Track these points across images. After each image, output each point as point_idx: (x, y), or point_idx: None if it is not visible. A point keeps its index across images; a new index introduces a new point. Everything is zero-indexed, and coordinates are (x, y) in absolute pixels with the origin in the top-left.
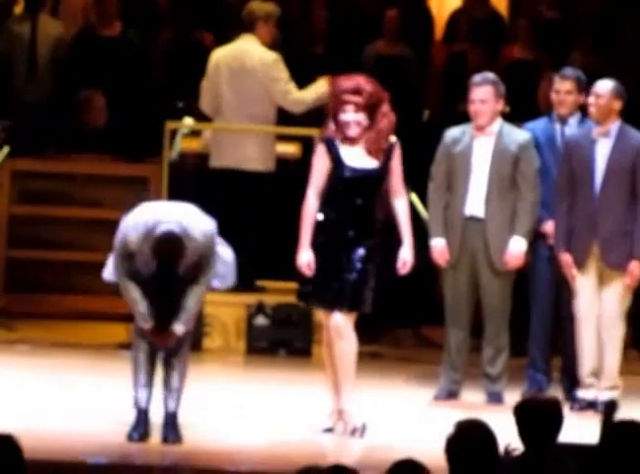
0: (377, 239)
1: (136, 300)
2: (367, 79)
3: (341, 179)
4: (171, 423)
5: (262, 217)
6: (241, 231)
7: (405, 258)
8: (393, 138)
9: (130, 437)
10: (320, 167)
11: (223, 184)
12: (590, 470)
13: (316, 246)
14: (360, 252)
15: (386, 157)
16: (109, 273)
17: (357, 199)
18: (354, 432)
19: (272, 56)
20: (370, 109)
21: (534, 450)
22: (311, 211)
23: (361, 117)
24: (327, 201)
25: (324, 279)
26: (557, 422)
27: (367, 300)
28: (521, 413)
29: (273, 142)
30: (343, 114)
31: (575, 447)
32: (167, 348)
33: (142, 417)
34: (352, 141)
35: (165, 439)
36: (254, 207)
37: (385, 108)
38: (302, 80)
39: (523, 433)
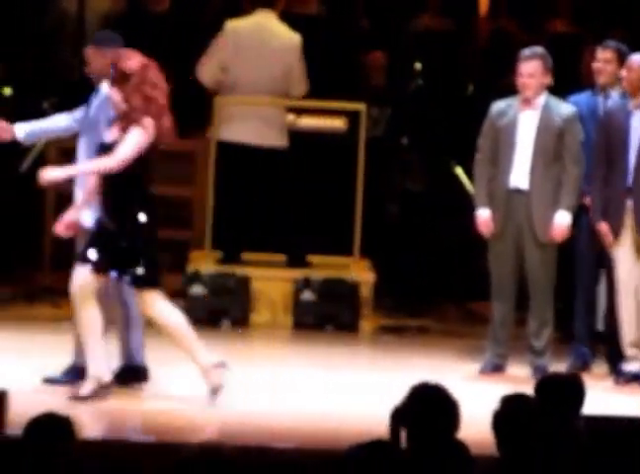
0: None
1: None
2: (134, 51)
3: None
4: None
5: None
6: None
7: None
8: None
9: None
10: None
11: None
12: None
13: None
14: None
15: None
16: None
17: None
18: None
19: (298, 38)
20: (120, 83)
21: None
22: None
23: (113, 92)
24: None
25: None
26: (579, 397)
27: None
28: (543, 389)
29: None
30: None
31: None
32: None
33: None
34: None
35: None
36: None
37: (136, 80)
38: (348, 55)
39: (545, 408)
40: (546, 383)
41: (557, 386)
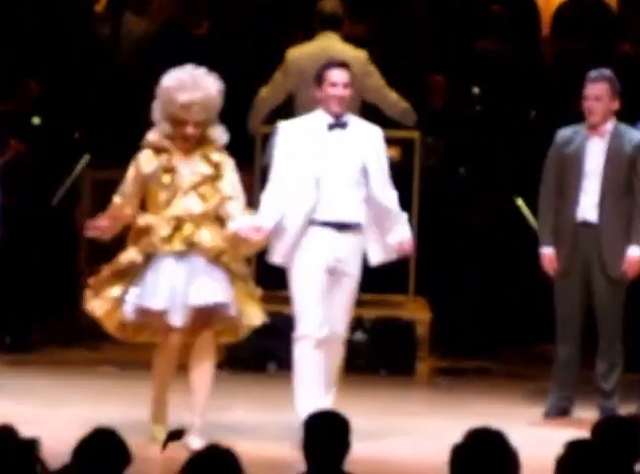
0: None
1: None
2: None
3: None
4: None
5: None
6: None
7: None
8: None
9: None
10: None
11: None
12: None
13: None
14: None
15: None
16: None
17: None
18: None
19: (364, 53)
20: None
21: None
22: None
23: None
24: None
25: None
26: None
27: None
28: (599, 431)
29: None
30: None
31: None
32: None
33: None
34: None
35: None
36: None
37: None
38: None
39: (603, 451)
40: (603, 425)
41: (615, 428)
